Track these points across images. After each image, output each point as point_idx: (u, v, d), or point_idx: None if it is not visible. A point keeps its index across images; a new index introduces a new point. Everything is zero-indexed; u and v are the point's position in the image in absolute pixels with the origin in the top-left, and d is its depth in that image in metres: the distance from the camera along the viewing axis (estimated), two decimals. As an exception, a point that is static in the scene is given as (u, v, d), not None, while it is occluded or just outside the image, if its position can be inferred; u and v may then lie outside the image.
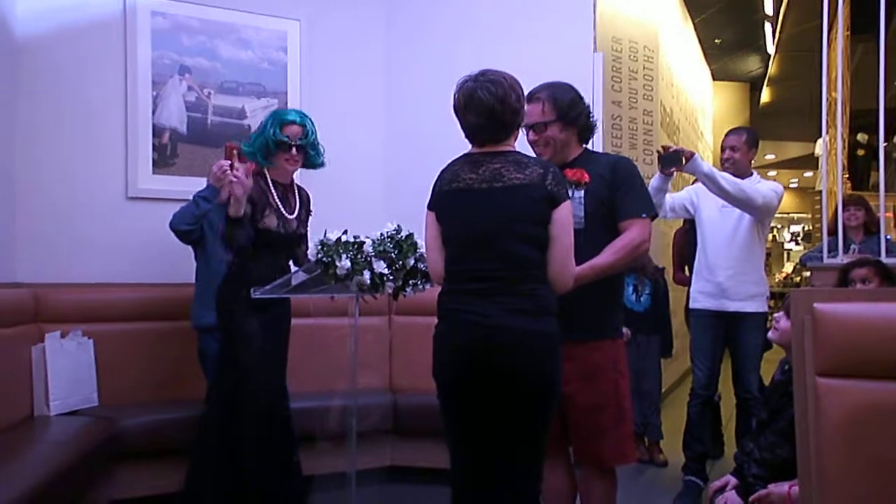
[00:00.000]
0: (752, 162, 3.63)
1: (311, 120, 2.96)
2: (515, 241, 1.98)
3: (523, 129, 2.34)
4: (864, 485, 1.39)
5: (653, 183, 3.24)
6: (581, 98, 2.41)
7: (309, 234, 3.01)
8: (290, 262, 3.04)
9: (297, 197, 2.99)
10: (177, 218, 3.13)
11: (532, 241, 2.00)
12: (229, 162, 3.03)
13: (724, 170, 3.55)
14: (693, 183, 3.77)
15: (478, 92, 2.01)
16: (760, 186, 3.48)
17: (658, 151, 3.26)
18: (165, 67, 3.69)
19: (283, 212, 2.87)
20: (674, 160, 3.17)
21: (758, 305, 3.46)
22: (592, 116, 2.44)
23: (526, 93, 2.16)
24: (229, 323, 2.73)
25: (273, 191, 2.86)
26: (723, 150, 3.59)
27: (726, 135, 3.65)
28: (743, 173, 3.53)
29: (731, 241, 3.46)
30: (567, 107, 2.34)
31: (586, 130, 2.41)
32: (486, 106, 2.00)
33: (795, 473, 1.54)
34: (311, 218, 3.05)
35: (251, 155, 2.85)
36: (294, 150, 2.87)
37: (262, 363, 2.78)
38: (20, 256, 3.40)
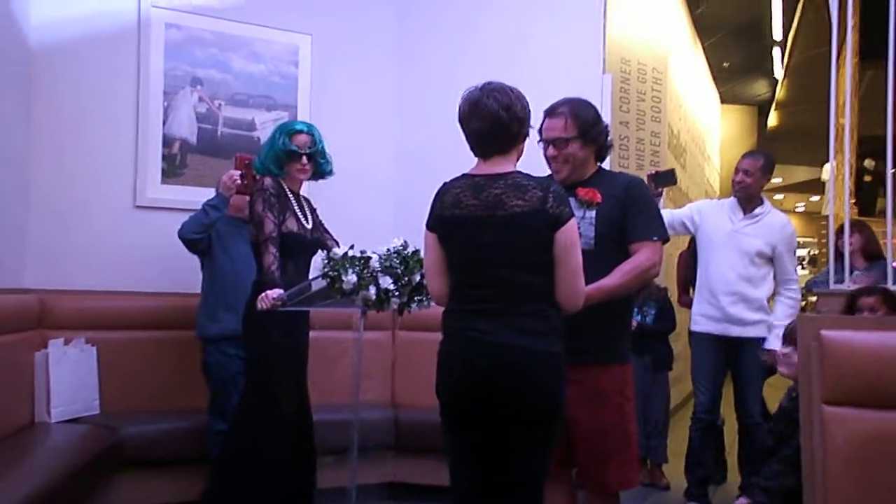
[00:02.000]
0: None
1: (317, 129, 2.98)
2: (520, 269, 1.97)
3: (541, 144, 2.34)
4: (870, 514, 1.38)
5: None
6: (600, 116, 2.38)
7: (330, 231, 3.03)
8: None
9: (306, 206, 2.99)
10: (186, 227, 3.14)
11: (537, 269, 1.98)
12: (239, 172, 3.05)
13: (735, 193, 3.52)
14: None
15: (483, 99, 2.00)
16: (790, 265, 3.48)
17: (651, 173, 3.24)
18: (177, 79, 3.72)
19: (301, 217, 2.88)
20: (668, 179, 3.15)
21: (760, 331, 3.42)
22: (610, 135, 2.42)
23: (542, 108, 2.14)
24: (259, 339, 2.74)
25: (290, 196, 2.88)
26: (736, 171, 3.52)
27: (743, 157, 3.60)
28: (753, 198, 3.51)
29: (737, 266, 3.42)
30: (589, 124, 2.31)
31: (604, 149, 2.39)
32: (492, 112, 1.98)
33: (801, 502, 1.53)
34: (316, 215, 3.05)
35: (264, 168, 2.87)
36: (305, 158, 2.89)
37: (291, 379, 2.79)
38: (28, 262, 3.42)
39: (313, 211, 3.02)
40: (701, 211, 3.61)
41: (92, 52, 3.55)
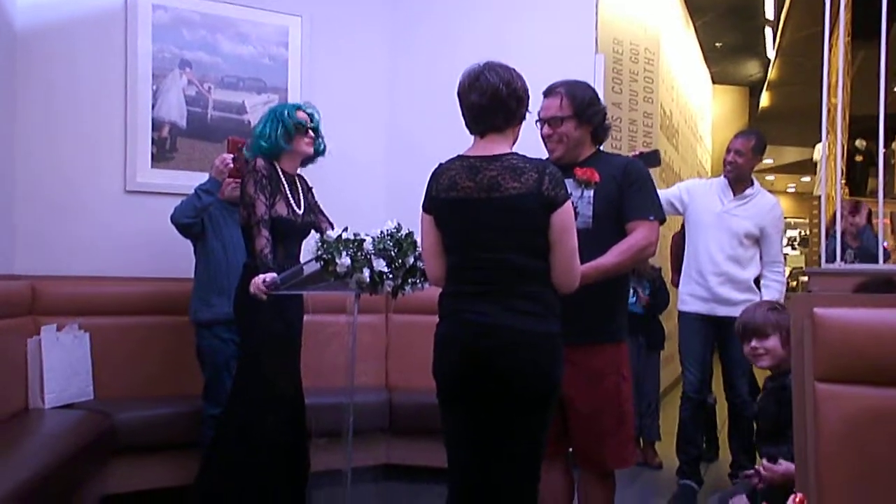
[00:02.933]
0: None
1: (313, 106, 2.99)
2: (516, 252, 1.97)
3: (538, 124, 2.33)
4: (863, 490, 1.39)
5: None
6: (598, 97, 2.39)
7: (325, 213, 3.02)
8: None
9: (300, 188, 2.97)
10: (178, 211, 3.12)
11: (533, 251, 1.98)
12: (231, 155, 3.03)
13: (726, 173, 3.52)
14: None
15: (485, 73, 2.00)
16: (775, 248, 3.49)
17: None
18: (166, 61, 3.68)
19: (292, 201, 2.86)
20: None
21: None
22: (607, 118, 2.42)
23: (535, 88, 2.14)
24: (254, 324, 2.74)
25: (283, 179, 2.87)
26: (728, 151, 3.51)
27: (735, 136, 3.59)
28: (744, 179, 3.51)
29: (725, 247, 3.43)
30: (585, 104, 2.32)
31: (601, 131, 2.38)
32: (492, 87, 1.98)
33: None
34: (312, 196, 3.03)
35: (271, 146, 2.83)
36: (311, 132, 2.90)
37: (285, 362, 2.79)
38: (18, 248, 3.39)
39: (308, 191, 2.99)
40: (690, 190, 3.61)
41: (78, 34, 3.51)
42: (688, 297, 3.55)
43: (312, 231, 2.63)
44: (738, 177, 3.49)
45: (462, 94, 2.04)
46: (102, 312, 3.39)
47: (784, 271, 3.57)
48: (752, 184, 3.54)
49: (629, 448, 2.39)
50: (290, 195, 2.85)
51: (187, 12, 3.72)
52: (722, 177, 3.57)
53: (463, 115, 2.06)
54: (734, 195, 3.49)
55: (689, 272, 3.55)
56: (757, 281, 3.48)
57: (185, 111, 3.73)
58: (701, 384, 3.57)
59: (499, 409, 1.98)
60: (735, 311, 3.39)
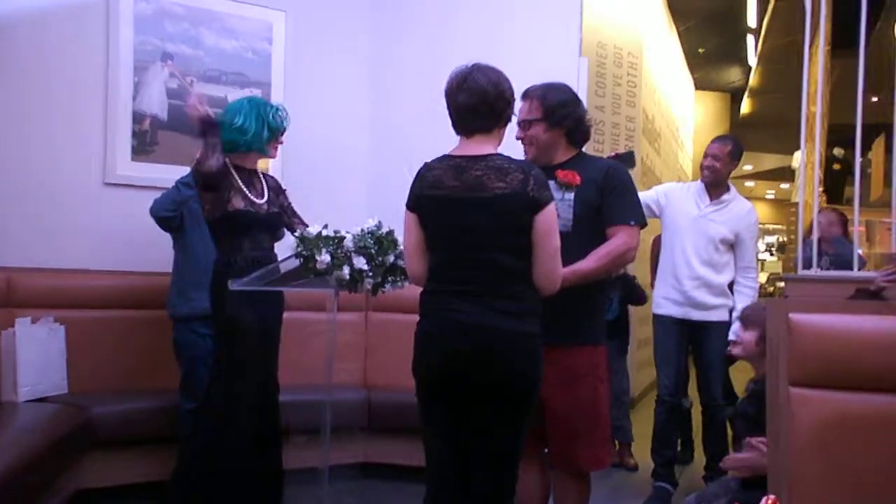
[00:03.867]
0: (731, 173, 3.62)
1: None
2: (499, 251, 1.98)
3: (514, 126, 2.34)
4: (835, 493, 1.41)
5: None
6: (575, 101, 2.39)
7: (296, 210, 3.01)
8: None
9: (264, 183, 2.95)
10: (158, 204, 3.09)
11: (516, 251, 1.99)
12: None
13: (703, 178, 3.54)
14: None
15: (473, 74, 2.01)
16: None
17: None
18: (147, 53, 3.65)
19: (249, 193, 2.84)
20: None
21: (721, 315, 3.46)
22: (588, 121, 2.43)
23: (518, 90, 2.15)
24: (225, 315, 2.72)
25: (235, 174, 2.84)
26: (705, 156, 3.53)
27: (712, 141, 3.60)
28: (721, 184, 3.53)
29: (701, 252, 3.45)
30: (553, 108, 2.32)
31: (577, 134, 2.39)
32: (480, 88, 2.00)
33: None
34: (285, 198, 3.02)
35: (244, 143, 2.81)
36: (281, 136, 2.91)
37: (258, 355, 2.78)
38: (-7, 239, 3.35)
39: (276, 189, 2.98)
40: (667, 194, 3.62)
41: (58, 24, 3.46)
42: (662, 301, 3.57)
43: (287, 231, 2.63)
44: (715, 181, 3.51)
45: (450, 95, 2.05)
46: (78, 305, 3.36)
47: (757, 277, 3.60)
48: (729, 189, 3.56)
49: (604, 449, 2.41)
50: (244, 188, 2.83)
51: (170, 4, 3.69)
52: (699, 181, 3.59)
53: (450, 115, 2.07)
54: (710, 200, 3.51)
55: (665, 276, 3.57)
56: (731, 286, 3.52)
57: (166, 104, 3.69)
58: (675, 387, 3.59)
59: (478, 408, 1.99)
60: (709, 316, 3.46)
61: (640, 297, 4.15)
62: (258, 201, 2.85)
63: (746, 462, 2.07)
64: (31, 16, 3.42)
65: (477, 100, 2.00)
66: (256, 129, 2.82)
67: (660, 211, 3.59)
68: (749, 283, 3.49)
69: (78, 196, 3.51)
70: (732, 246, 3.49)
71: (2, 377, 3.05)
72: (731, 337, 3.37)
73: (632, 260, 2.42)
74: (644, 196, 3.59)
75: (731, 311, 3.46)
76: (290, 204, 3.01)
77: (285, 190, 3.02)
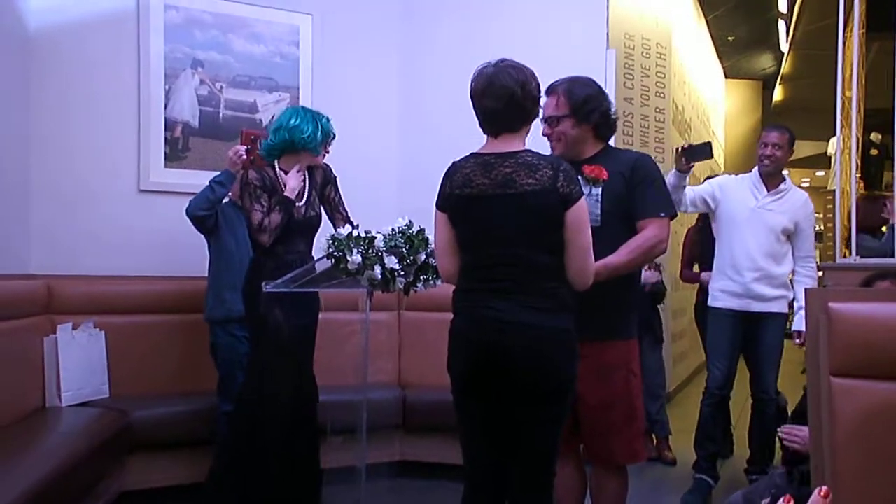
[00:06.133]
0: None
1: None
2: (531, 248, 1.97)
3: (539, 122, 2.33)
4: (879, 485, 1.38)
5: (670, 181, 3.18)
6: (601, 94, 2.36)
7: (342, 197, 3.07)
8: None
9: (307, 182, 2.98)
10: (193, 204, 3.15)
11: (548, 248, 1.98)
12: (245, 147, 3.05)
13: (764, 167, 3.46)
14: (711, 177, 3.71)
15: (499, 76, 1.99)
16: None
17: (682, 147, 3.16)
18: (178, 61, 3.70)
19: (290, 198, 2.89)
20: (703, 153, 3.10)
21: (781, 306, 3.43)
22: (614, 114, 2.40)
23: (545, 85, 2.13)
24: (256, 316, 2.76)
25: (280, 181, 2.89)
26: (764, 145, 3.46)
27: (768, 131, 3.55)
28: (778, 174, 3.48)
29: (763, 243, 3.39)
30: (581, 102, 2.30)
31: (604, 128, 2.36)
32: (508, 91, 1.97)
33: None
34: (333, 189, 3.05)
35: (301, 145, 2.88)
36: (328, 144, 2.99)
37: (290, 356, 2.80)
38: (34, 248, 3.43)
39: (325, 181, 3.02)
40: (722, 187, 3.55)
41: (91, 35, 3.53)
42: (720, 294, 3.50)
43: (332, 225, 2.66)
44: (776, 170, 3.46)
45: (476, 98, 2.02)
46: (117, 311, 3.43)
47: (815, 266, 3.53)
48: (784, 179, 3.51)
49: (639, 443, 2.39)
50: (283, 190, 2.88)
51: (199, 12, 3.74)
52: (754, 172, 3.53)
53: (477, 116, 2.06)
54: (768, 190, 3.45)
55: (723, 268, 3.50)
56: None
57: (197, 110, 3.75)
58: (725, 381, 3.52)
59: (514, 404, 1.98)
60: (769, 307, 3.41)
61: (662, 297, 4.13)
62: (297, 204, 2.88)
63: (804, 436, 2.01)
64: (65, 28, 3.49)
65: (505, 105, 1.98)
66: (311, 130, 2.88)
67: (715, 204, 3.53)
68: (809, 272, 3.45)
69: (113, 203, 3.58)
70: (790, 236, 3.44)
71: (46, 382, 3.13)
72: (795, 327, 3.36)
73: (663, 252, 2.39)
74: (699, 190, 3.58)
75: (789, 303, 3.43)
76: (337, 195, 3.05)
77: (336, 177, 3.06)
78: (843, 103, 3.72)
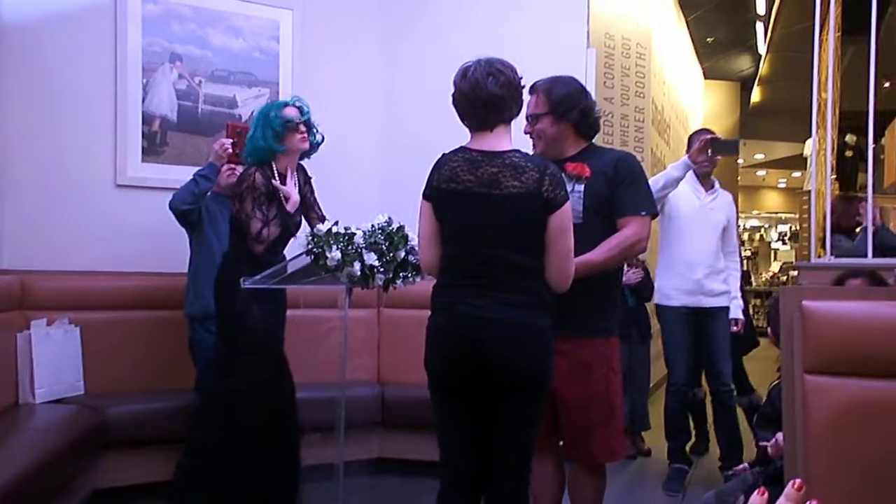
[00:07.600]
0: (743, 162, 3.64)
1: (301, 99, 2.94)
2: (512, 249, 1.98)
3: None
4: (851, 482, 1.40)
5: (675, 174, 3.23)
6: (581, 93, 2.37)
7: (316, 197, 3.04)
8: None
9: (297, 183, 2.95)
10: (177, 198, 3.11)
11: (528, 250, 1.99)
12: (231, 140, 3.01)
13: (702, 168, 3.53)
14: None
15: (495, 65, 2.01)
16: None
17: (708, 138, 3.27)
18: (156, 55, 3.66)
19: (286, 205, 2.85)
20: (729, 149, 3.14)
21: (726, 300, 3.60)
22: (597, 112, 2.41)
23: (526, 83, 2.15)
24: (229, 313, 2.73)
25: (281, 192, 2.83)
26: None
27: (697, 134, 3.65)
28: (710, 174, 3.62)
29: (710, 240, 3.56)
30: (559, 101, 2.31)
31: (585, 126, 2.37)
32: (508, 78, 2.01)
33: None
34: (309, 188, 3.01)
35: (267, 148, 2.80)
36: (303, 126, 2.85)
37: (265, 352, 2.78)
38: (7, 242, 3.38)
39: (305, 184, 2.98)
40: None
41: (67, 27, 3.48)
42: (673, 292, 3.59)
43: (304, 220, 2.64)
44: (709, 173, 3.61)
45: (474, 88, 1.99)
46: (93, 307, 3.38)
47: (739, 260, 3.81)
48: (714, 180, 3.69)
49: (618, 441, 2.40)
50: (283, 202, 2.84)
51: (177, 5, 3.70)
52: (689, 173, 3.55)
53: (458, 111, 2.05)
54: (705, 190, 3.62)
55: (673, 266, 3.59)
56: None
57: (175, 105, 3.71)
58: (688, 377, 3.66)
59: (490, 400, 2.00)
60: (718, 301, 3.59)
61: (649, 293, 4.15)
62: (289, 210, 2.85)
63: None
64: (40, 20, 3.44)
65: (507, 90, 2.00)
66: (262, 135, 2.81)
67: (661, 203, 3.57)
68: (736, 265, 3.71)
69: (90, 198, 3.53)
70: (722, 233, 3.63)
71: (19, 379, 3.08)
72: (732, 315, 3.58)
73: (643, 251, 2.41)
74: None
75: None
76: (313, 195, 3.01)
77: (311, 177, 3.02)
78: (819, 105, 3.75)
